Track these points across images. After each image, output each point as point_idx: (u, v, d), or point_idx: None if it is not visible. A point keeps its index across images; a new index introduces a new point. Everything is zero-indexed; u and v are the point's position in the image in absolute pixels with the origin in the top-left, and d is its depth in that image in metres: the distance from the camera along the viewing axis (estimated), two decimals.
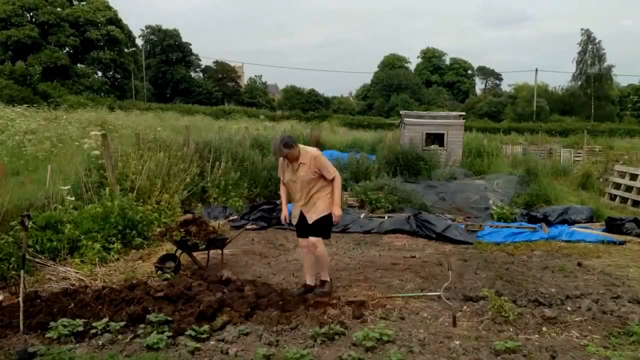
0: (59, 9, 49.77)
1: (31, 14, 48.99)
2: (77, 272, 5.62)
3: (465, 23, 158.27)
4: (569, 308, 4.76)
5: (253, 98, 67.25)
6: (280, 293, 5.01)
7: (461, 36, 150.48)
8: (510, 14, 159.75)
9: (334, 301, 4.85)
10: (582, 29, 61.52)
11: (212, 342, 3.87)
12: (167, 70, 63.47)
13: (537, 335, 4.18)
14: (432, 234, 8.06)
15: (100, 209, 6.62)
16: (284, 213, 5.36)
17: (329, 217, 5.15)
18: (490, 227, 8.56)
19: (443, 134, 17.24)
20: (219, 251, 6.06)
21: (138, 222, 6.84)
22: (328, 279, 5.30)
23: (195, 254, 6.02)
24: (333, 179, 5.12)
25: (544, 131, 37.47)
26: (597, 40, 56.01)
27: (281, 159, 5.22)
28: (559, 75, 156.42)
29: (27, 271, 5.29)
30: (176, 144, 10.52)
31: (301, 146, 5.17)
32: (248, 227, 7.65)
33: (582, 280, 5.89)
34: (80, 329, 3.97)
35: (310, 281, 5.29)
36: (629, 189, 11.70)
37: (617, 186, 12.22)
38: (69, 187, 6.79)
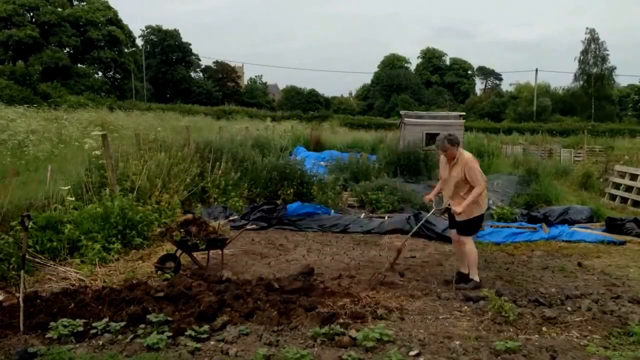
0: (59, 9, 49.85)
1: (32, 13, 49.05)
2: (77, 272, 5.62)
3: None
4: (569, 308, 4.75)
5: (253, 98, 67.26)
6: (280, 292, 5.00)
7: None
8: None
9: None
10: (587, 28, 61.35)
11: (212, 342, 3.87)
12: (167, 71, 63.49)
13: (537, 335, 4.18)
14: (432, 234, 8.06)
15: (101, 209, 6.61)
16: (429, 196, 5.95)
17: (475, 219, 5.61)
18: (491, 227, 8.55)
19: None
20: (219, 251, 6.06)
21: (138, 222, 6.83)
22: (475, 279, 5.58)
23: (195, 254, 6.02)
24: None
25: (545, 131, 37.47)
26: (600, 41, 56.01)
27: (442, 156, 5.72)
28: (560, 75, 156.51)
29: (27, 271, 5.29)
30: (176, 144, 10.52)
31: (462, 150, 5.64)
32: (248, 227, 7.65)
33: (582, 280, 5.89)
34: (80, 329, 3.96)
35: (463, 269, 5.76)
36: (629, 189, 11.70)
37: (617, 186, 12.22)
38: (69, 187, 6.79)
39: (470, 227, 5.64)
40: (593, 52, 55.88)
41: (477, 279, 5.59)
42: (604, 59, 55.72)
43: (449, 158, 5.63)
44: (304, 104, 62.16)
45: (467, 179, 5.47)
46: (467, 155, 5.59)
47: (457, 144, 5.59)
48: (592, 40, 55.86)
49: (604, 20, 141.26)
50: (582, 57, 56.36)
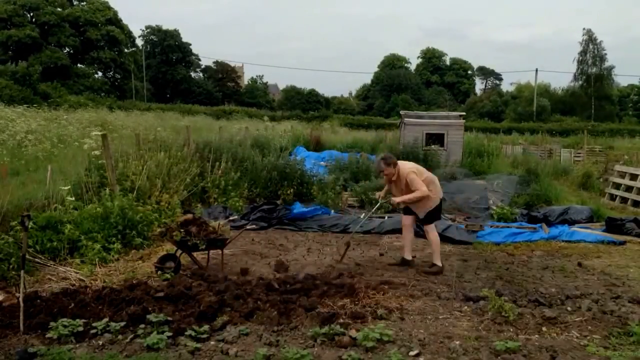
0: (59, 9, 49.85)
1: (32, 14, 49.04)
2: (77, 272, 5.62)
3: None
4: (569, 308, 4.75)
5: (253, 98, 67.24)
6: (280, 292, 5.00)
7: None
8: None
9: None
10: (583, 29, 61.28)
11: (212, 342, 3.87)
12: (167, 71, 63.47)
13: (537, 335, 4.18)
14: None
15: (101, 209, 6.61)
16: (381, 193, 6.73)
17: (433, 210, 6.14)
18: (491, 227, 8.55)
19: (443, 134, 17.23)
20: (219, 251, 6.06)
21: (138, 222, 6.83)
22: (438, 264, 6.11)
23: (195, 254, 6.02)
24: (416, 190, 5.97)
25: (545, 131, 37.50)
26: (598, 41, 56.05)
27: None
28: (560, 74, 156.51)
29: (27, 271, 5.29)
30: (176, 144, 10.52)
31: (399, 165, 6.10)
32: (248, 227, 7.65)
33: (582, 280, 5.89)
34: (80, 329, 3.96)
35: (407, 255, 6.34)
36: (629, 189, 11.71)
37: (617, 186, 12.23)
38: (69, 187, 6.79)
39: (431, 216, 6.21)
40: (592, 52, 55.92)
41: (439, 264, 6.11)
42: (602, 58, 55.79)
43: (388, 177, 6.16)
44: (304, 104, 62.14)
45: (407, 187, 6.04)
46: (404, 169, 6.05)
47: (392, 164, 6.05)
48: (590, 41, 55.90)
49: (604, 19, 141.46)
50: (580, 58, 56.45)
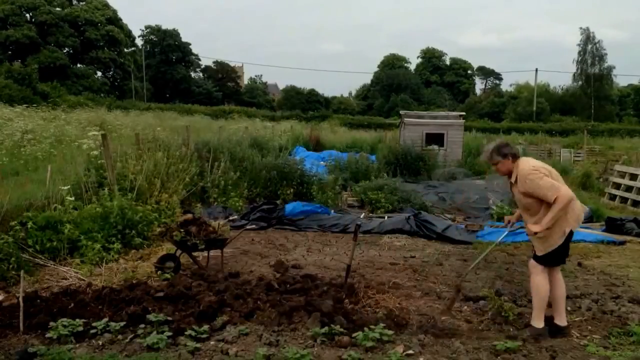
0: (57, 8, 49.76)
1: (30, 13, 48.95)
2: (77, 272, 5.62)
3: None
4: (569, 308, 4.75)
5: (253, 98, 67.20)
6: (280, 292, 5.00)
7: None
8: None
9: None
10: (581, 28, 60.94)
11: (212, 342, 3.87)
12: (167, 70, 63.38)
13: None
14: (432, 234, 8.06)
15: (100, 209, 6.60)
16: (510, 218, 4.72)
17: (554, 251, 4.16)
18: (490, 227, 8.55)
19: (443, 134, 17.26)
20: (219, 251, 6.06)
21: (137, 222, 6.81)
22: (536, 325, 4.18)
23: (195, 254, 6.02)
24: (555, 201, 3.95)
25: (544, 131, 37.52)
26: (596, 40, 56.05)
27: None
28: (560, 74, 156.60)
29: (27, 271, 5.29)
30: (175, 144, 10.52)
31: (520, 161, 4.22)
32: (248, 227, 7.65)
33: (582, 280, 5.89)
34: (80, 329, 3.96)
35: (557, 320, 4.26)
36: (629, 189, 11.71)
37: (617, 186, 12.23)
38: (69, 187, 6.78)
39: (552, 257, 4.21)
40: (591, 52, 55.89)
41: (538, 324, 4.18)
42: (602, 58, 55.76)
43: (503, 173, 4.38)
44: (304, 103, 62.11)
45: (537, 200, 4.07)
46: (525, 165, 4.15)
47: (508, 155, 4.21)
48: (588, 40, 55.86)
49: (604, 19, 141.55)
50: (580, 58, 56.44)
